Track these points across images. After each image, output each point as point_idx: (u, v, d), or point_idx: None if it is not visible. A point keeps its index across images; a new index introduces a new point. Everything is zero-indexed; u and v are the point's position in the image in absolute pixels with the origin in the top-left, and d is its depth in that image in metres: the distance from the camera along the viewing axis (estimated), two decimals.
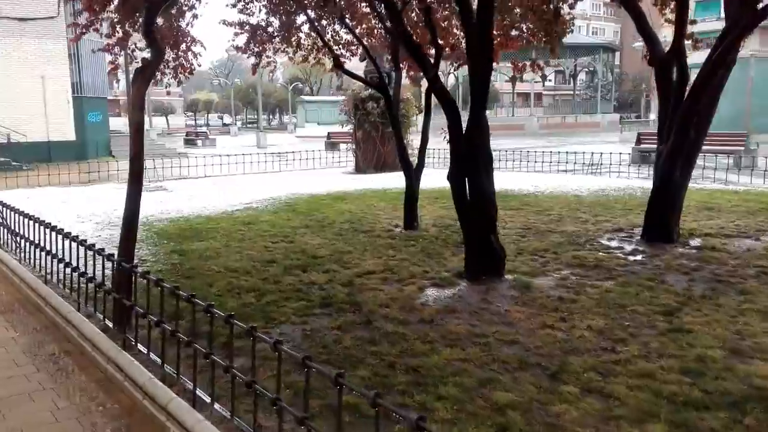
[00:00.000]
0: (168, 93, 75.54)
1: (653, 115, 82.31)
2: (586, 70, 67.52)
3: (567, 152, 18.76)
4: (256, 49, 11.32)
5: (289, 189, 15.04)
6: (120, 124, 56.96)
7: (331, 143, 34.94)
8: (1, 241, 8.42)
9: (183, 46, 10.30)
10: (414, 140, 19.15)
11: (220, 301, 5.90)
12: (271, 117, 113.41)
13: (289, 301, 5.95)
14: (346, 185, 15.61)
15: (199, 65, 10.82)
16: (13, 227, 8.01)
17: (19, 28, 24.68)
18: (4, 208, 8.17)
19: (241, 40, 11.30)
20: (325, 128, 55.61)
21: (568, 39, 11.05)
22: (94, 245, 5.48)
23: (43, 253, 6.66)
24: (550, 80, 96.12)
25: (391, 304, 5.75)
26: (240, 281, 6.78)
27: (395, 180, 16.28)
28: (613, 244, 8.22)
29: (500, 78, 69.18)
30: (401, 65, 10.73)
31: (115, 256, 5.17)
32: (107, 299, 5.10)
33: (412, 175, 9.73)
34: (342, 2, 10.05)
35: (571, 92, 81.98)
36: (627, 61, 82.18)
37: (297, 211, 11.55)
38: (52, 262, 6.46)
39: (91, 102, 28.24)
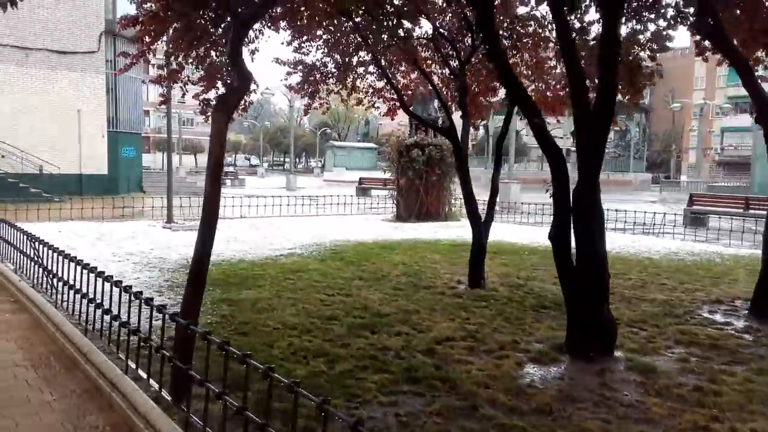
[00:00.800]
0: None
1: (684, 177, 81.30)
2: (617, 129, 66.84)
3: (617, 210, 17.82)
4: (310, 89, 10.72)
5: (330, 235, 14.26)
6: (149, 160, 57.40)
7: (363, 188, 34.37)
8: (35, 281, 7.66)
9: None
10: (456, 189, 18.46)
11: (286, 368, 5.05)
12: (297, 160, 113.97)
13: (367, 372, 5.07)
14: (390, 233, 14.80)
15: (251, 103, 10.20)
16: (48, 266, 7.26)
17: (58, 61, 24.54)
18: (40, 245, 7.43)
19: (295, 79, 10.74)
20: (352, 173, 55.48)
21: None
22: (152, 299, 4.72)
23: (85, 301, 5.88)
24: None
25: (491, 383, 4.85)
26: (303, 342, 5.93)
27: (442, 230, 15.49)
28: (718, 318, 7.26)
29: (527, 131, 68.96)
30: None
31: (163, 307, 4.36)
32: (160, 360, 4.28)
33: (481, 229, 8.88)
34: (414, 44, 9.42)
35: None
36: (655, 120, 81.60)
37: (346, 260, 10.73)
38: (94, 310, 5.67)
39: (125, 137, 27.98)
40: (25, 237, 8.10)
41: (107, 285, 5.43)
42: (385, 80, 9.79)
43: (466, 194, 8.95)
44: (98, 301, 5.66)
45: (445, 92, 10.44)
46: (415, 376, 4.99)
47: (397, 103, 10.89)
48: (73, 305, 6.30)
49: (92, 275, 5.80)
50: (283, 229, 15.20)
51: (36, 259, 7.44)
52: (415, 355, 5.53)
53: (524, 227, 16.98)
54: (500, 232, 15.76)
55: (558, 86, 10.13)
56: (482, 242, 8.82)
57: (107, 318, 5.47)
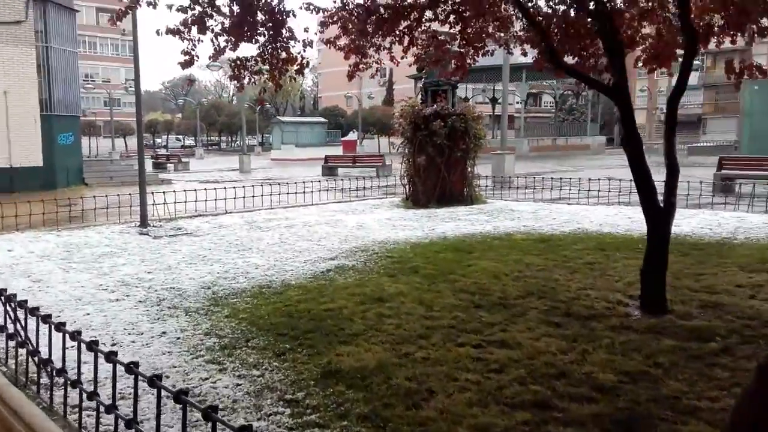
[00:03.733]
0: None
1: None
2: (554, 93, 64.94)
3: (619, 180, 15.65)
4: (359, 42, 7.83)
5: (356, 232, 11.44)
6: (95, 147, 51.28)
7: (329, 167, 31.43)
8: (17, 368, 4.61)
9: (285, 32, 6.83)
10: (479, 169, 15.78)
11: None
12: (233, 138, 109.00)
13: None
14: (428, 226, 12.03)
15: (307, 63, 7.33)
16: (37, 347, 4.26)
17: None
18: (20, 311, 4.35)
19: (333, 32, 7.84)
20: (303, 150, 52.09)
21: None
22: None
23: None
24: (518, 103, 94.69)
25: None
26: None
27: (486, 218, 12.87)
28: None
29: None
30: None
31: None
32: None
33: (663, 222, 6.25)
34: None
35: (543, 115, 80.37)
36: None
37: (422, 273, 7.96)
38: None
39: (62, 121, 24.01)
40: None
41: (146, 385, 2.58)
42: (525, 17, 6.88)
43: (642, 175, 6.28)
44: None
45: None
46: None
47: (471, 58, 8.08)
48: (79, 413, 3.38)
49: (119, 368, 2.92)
50: (292, 228, 12.25)
51: (16, 334, 4.35)
52: None
53: (542, 205, 14.53)
54: (544, 213, 13.26)
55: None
56: (665, 242, 6.21)
57: None
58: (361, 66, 8.13)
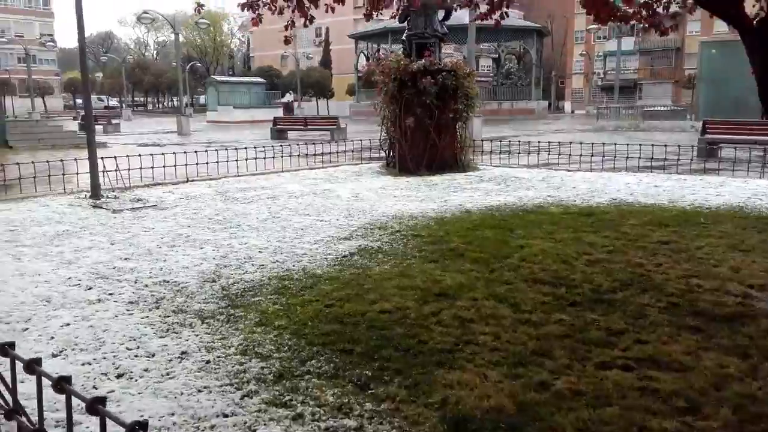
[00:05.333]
0: None
1: (568, 105, 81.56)
2: (495, 56, 64.00)
3: (616, 145, 14.75)
4: None
5: (359, 204, 9.93)
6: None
7: (278, 130, 29.45)
8: None
9: None
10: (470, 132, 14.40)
11: None
12: (159, 99, 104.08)
13: None
14: (433, 197, 10.60)
15: None
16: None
17: None
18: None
19: None
20: (241, 112, 49.49)
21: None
22: None
23: None
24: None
25: None
26: None
27: (494, 188, 11.56)
28: None
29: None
30: None
31: None
32: None
33: None
34: None
35: (482, 79, 79.56)
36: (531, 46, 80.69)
37: (471, 257, 6.54)
38: None
39: None
40: None
41: None
42: None
43: None
44: None
45: None
46: None
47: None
48: None
49: None
50: (277, 200, 10.59)
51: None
52: None
53: (546, 171, 13.37)
54: (556, 180, 12.03)
55: None
56: None
57: None
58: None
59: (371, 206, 9.71)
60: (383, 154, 14.77)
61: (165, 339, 4.49)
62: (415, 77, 13.09)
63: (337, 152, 18.71)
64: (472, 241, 7.28)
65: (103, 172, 11.56)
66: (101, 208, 9.96)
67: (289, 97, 67.88)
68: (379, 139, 14.68)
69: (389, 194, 10.92)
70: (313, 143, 22.61)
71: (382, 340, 4.42)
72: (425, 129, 13.31)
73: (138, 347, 4.34)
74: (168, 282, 5.88)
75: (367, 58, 54.81)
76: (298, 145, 21.72)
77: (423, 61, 13.21)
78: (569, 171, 13.77)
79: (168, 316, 4.95)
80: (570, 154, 15.41)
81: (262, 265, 6.48)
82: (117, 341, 4.44)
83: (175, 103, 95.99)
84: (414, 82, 13.08)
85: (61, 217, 9.13)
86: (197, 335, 4.56)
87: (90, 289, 5.66)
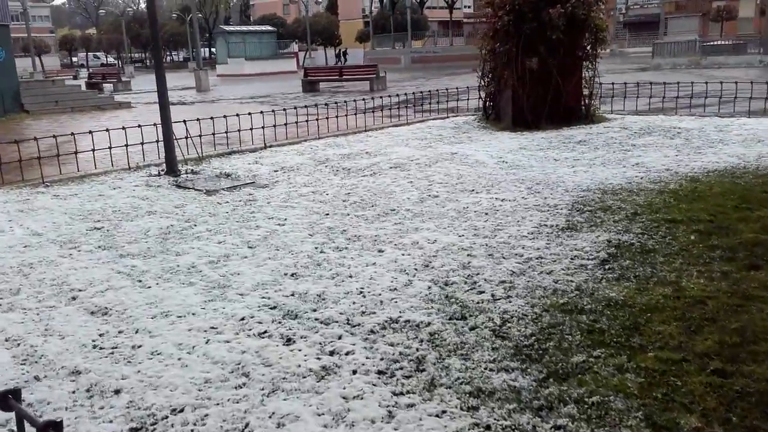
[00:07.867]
0: None
1: None
2: None
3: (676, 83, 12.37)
4: None
5: (523, 174, 7.80)
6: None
7: (310, 82, 27.01)
8: None
9: None
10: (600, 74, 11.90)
11: None
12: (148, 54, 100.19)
13: None
14: (621, 161, 8.34)
15: None
16: None
17: None
18: None
19: None
20: (253, 64, 46.69)
21: None
22: None
23: None
24: (467, 7, 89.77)
25: None
26: None
27: (666, 142, 9.30)
28: None
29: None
30: None
31: None
32: None
33: None
34: None
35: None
36: None
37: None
38: None
39: None
40: None
41: None
42: None
43: None
44: None
45: None
46: None
47: None
48: None
49: None
50: (402, 169, 8.45)
51: None
52: None
53: (702, 121, 11.16)
54: (715, 135, 9.74)
55: None
56: None
57: None
58: None
59: (544, 175, 7.57)
60: (455, 105, 12.48)
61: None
62: (537, 7, 10.76)
63: (398, 105, 16.32)
64: (714, 216, 5.20)
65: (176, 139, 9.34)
66: (187, 188, 7.84)
67: (293, 47, 64.75)
68: (479, 87, 12.42)
69: (543, 157, 8.75)
70: (353, 98, 20.20)
71: None
72: (547, 72, 11.05)
73: None
74: (408, 321, 3.79)
75: None
76: (346, 99, 19.32)
77: None
78: (721, 117, 11.48)
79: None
80: (677, 96, 13.00)
81: (504, 282, 4.39)
82: None
83: (175, 58, 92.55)
84: (536, 14, 10.76)
85: (150, 204, 7.02)
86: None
87: (290, 342, 3.59)
